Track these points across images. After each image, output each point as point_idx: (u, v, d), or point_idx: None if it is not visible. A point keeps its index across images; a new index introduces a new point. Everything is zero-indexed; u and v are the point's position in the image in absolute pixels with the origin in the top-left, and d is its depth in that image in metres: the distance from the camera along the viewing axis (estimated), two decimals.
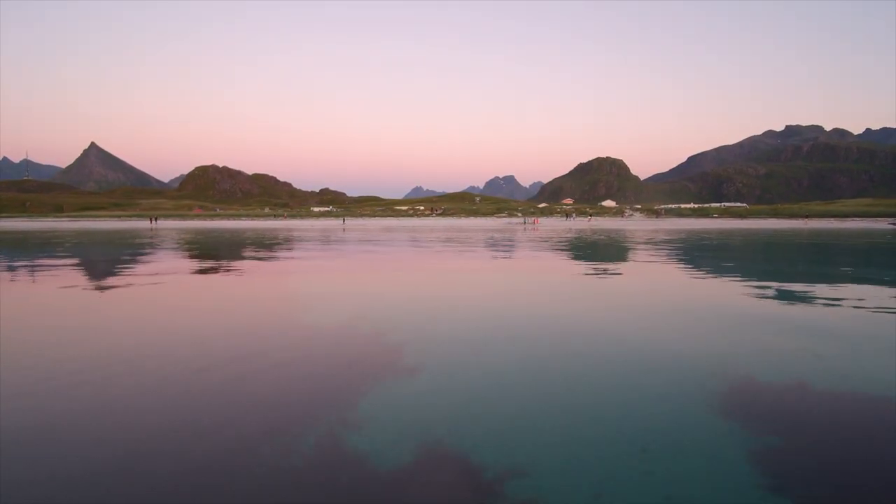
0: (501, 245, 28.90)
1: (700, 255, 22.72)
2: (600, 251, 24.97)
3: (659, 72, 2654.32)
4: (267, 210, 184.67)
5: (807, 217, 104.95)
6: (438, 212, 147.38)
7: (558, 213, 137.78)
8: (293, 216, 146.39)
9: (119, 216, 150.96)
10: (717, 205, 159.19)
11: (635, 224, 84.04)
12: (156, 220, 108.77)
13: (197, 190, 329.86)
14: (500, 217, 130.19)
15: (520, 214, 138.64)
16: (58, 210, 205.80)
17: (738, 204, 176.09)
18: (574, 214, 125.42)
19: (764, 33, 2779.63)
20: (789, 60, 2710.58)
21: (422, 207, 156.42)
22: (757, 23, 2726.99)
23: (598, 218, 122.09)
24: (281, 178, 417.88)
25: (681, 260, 19.79)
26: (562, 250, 24.42)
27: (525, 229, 58.14)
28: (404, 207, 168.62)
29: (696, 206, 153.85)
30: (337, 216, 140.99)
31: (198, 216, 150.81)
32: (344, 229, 57.50)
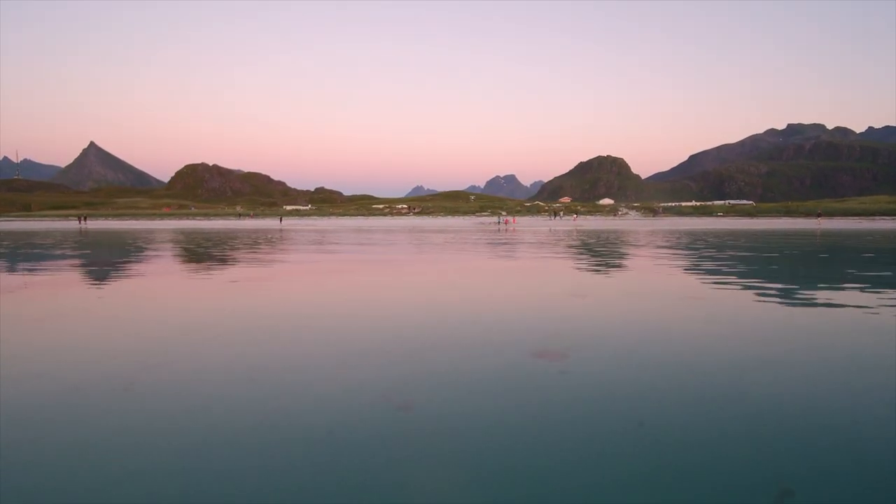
0: (428, 250, 22.32)
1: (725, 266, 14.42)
2: (547, 262, 16.61)
3: (660, 70, 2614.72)
4: (238, 209, 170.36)
5: (820, 216, 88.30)
6: (417, 210, 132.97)
7: (545, 211, 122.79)
8: (258, 216, 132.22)
9: (68, 216, 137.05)
10: (722, 202, 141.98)
11: (628, 224, 69.66)
12: (84, 219, 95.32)
13: (185, 189, 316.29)
14: (480, 216, 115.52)
15: (504, 214, 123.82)
16: (25, 209, 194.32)
17: (745, 201, 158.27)
18: (562, 213, 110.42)
19: (765, 32, 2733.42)
20: (791, 59, 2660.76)
21: (400, 206, 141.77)
22: (758, 21, 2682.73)
23: (588, 217, 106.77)
24: (275, 178, 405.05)
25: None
26: (496, 258, 17.80)
27: (499, 230, 48.50)
28: (381, 206, 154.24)
29: (699, 203, 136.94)
30: (304, 215, 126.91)
31: (161, 215, 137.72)
32: (280, 230, 50.12)
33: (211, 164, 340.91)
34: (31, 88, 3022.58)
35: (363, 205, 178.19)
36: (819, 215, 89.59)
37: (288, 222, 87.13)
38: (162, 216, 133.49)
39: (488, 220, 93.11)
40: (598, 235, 35.68)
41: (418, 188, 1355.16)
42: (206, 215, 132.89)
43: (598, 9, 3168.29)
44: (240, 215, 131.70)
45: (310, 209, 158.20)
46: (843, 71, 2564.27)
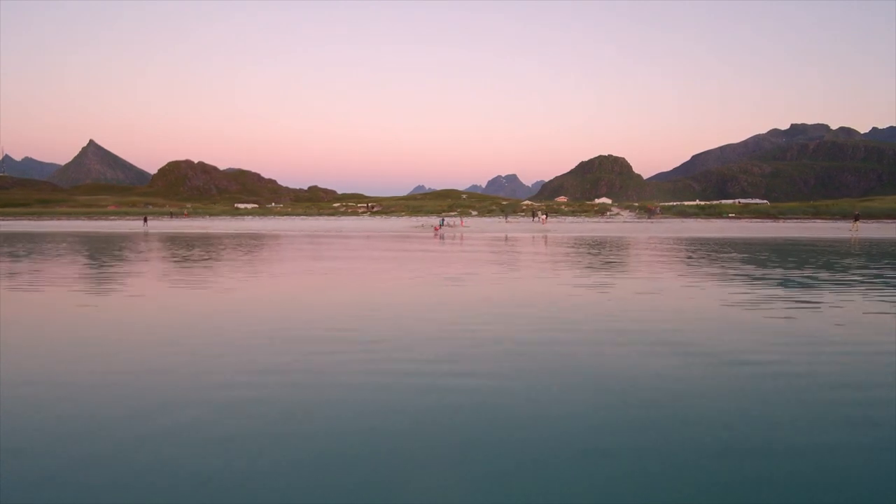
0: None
1: None
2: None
3: (663, 70, 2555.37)
4: (189, 207, 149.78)
5: (858, 218, 63.99)
6: (377, 208, 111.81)
7: (524, 210, 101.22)
8: (195, 213, 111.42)
9: None
10: (731, 202, 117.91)
11: (615, 228, 49.82)
12: None
13: (167, 186, 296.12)
14: (448, 216, 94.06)
15: (475, 213, 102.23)
16: None
17: (758, 200, 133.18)
18: (540, 213, 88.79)
19: (768, 31, 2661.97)
20: (794, 58, 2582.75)
21: (358, 206, 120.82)
22: (761, 20, 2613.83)
23: (567, 219, 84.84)
24: (266, 175, 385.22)
25: None
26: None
27: (438, 236, 38.66)
28: (336, 204, 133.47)
29: (704, 203, 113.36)
30: (238, 214, 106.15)
31: (94, 213, 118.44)
32: (146, 233, 42.36)
33: (196, 162, 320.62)
34: (32, 87, 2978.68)
35: (318, 203, 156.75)
36: (857, 217, 65.68)
37: (176, 223, 65.76)
38: (94, 214, 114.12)
39: (447, 220, 71.36)
40: (548, 250, 25.77)
41: (419, 187, 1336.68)
42: (134, 215, 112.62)
43: (600, 8, 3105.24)
44: (171, 214, 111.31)
45: (259, 208, 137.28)
46: (847, 71, 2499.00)
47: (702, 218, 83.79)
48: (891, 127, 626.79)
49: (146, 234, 40.78)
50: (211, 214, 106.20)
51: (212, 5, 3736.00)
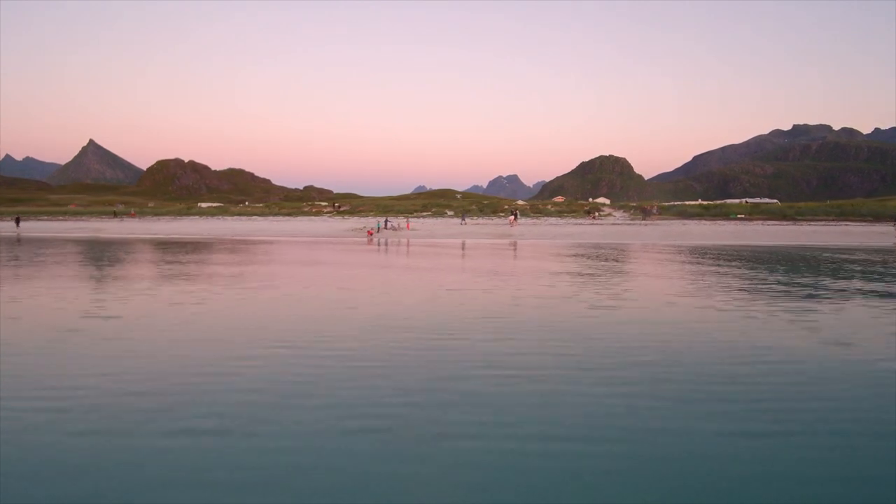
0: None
1: None
2: None
3: (664, 70, 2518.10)
4: (152, 205, 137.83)
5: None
6: (343, 208, 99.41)
7: (506, 210, 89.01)
8: (140, 212, 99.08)
9: None
10: (737, 201, 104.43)
11: (598, 231, 38.22)
12: None
13: (155, 186, 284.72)
14: (422, 216, 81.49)
15: (450, 213, 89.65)
16: None
17: (768, 200, 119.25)
18: (518, 213, 76.46)
19: (769, 31, 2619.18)
20: (795, 59, 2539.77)
21: (324, 204, 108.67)
22: (762, 21, 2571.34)
23: (548, 220, 72.16)
24: (260, 174, 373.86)
25: None
26: None
27: (383, 241, 31.47)
28: (303, 203, 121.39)
29: (708, 203, 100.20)
30: (186, 214, 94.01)
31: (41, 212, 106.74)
32: (19, 238, 35.42)
33: (186, 161, 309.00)
34: (33, 87, 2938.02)
35: (281, 203, 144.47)
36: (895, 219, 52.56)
37: (82, 225, 53.51)
38: (54, 214, 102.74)
39: (391, 222, 58.71)
40: (474, 264, 20.81)
41: (420, 187, 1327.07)
42: (83, 214, 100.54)
43: (600, 8, 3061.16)
44: (116, 213, 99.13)
45: (220, 207, 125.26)
46: (848, 71, 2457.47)
47: (706, 219, 71.03)
48: (893, 127, 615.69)
49: (18, 238, 35.25)
50: (157, 214, 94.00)
51: (212, 5, 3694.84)
